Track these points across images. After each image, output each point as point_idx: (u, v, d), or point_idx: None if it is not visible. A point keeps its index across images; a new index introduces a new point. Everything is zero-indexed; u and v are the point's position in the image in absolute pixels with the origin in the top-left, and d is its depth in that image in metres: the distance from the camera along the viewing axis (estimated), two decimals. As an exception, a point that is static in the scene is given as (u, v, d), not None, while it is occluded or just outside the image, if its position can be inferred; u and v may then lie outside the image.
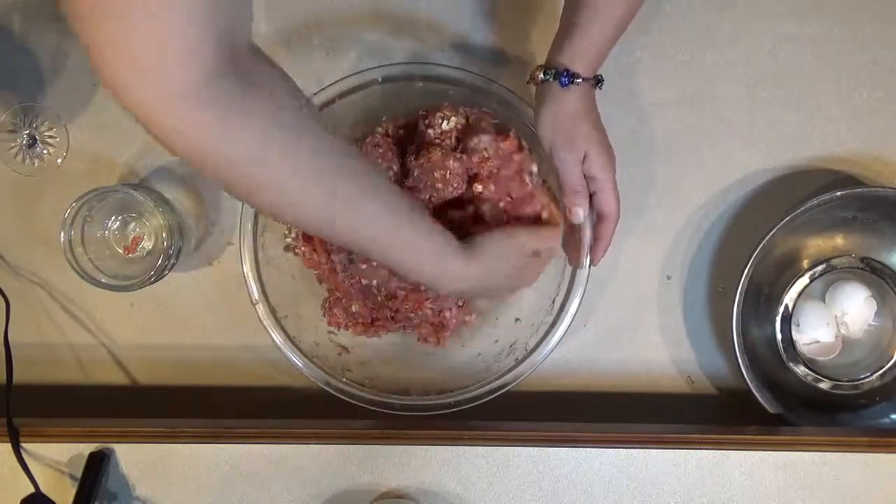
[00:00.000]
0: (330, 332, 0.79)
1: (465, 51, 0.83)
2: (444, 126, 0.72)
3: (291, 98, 0.52)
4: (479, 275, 0.66)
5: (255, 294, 0.75)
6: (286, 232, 0.77)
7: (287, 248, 0.78)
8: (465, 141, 0.72)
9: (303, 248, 0.77)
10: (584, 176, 0.70)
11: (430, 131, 0.72)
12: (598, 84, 0.69)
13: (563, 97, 0.67)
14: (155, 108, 0.44)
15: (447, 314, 0.76)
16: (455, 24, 0.82)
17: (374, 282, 0.74)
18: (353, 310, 0.76)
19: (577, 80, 0.66)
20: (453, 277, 0.65)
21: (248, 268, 0.75)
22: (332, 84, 0.75)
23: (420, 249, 0.63)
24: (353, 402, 0.74)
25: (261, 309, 0.75)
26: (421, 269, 0.63)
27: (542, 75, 0.68)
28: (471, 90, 0.76)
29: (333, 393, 0.75)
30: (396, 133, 0.76)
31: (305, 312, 0.78)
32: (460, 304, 0.77)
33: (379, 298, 0.75)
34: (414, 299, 0.74)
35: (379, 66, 0.76)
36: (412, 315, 0.75)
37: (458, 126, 0.73)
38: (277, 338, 0.75)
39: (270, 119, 0.49)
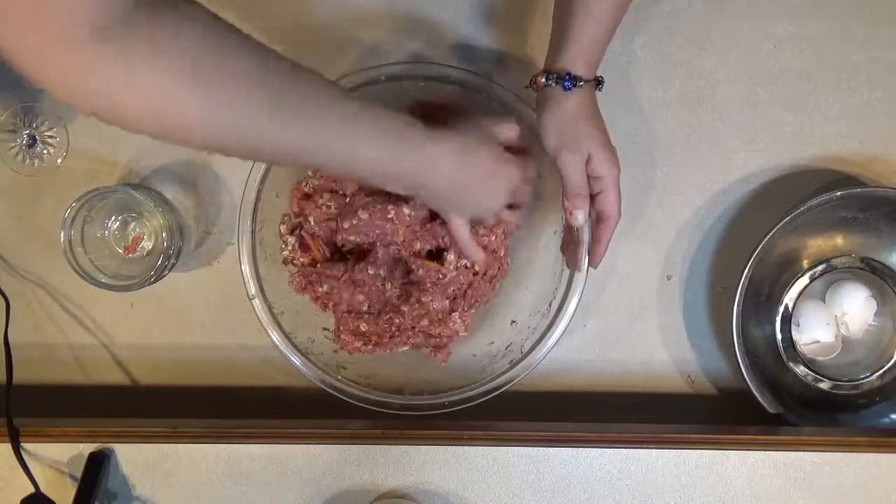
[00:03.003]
0: (325, 329, 0.79)
1: (464, 51, 0.82)
2: None
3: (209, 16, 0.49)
4: (454, 165, 0.62)
5: (252, 289, 0.75)
6: (282, 245, 0.77)
7: (285, 261, 0.78)
8: None
9: (301, 259, 0.77)
10: (588, 177, 0.69)
11: None
12: (598, 85, 0.69)
13: (565, 101, 0.67)
14: (55, 49, 0.40)
15: (444, 326, 0.75)
16: (455, 24, 0.82)
17: (361, 296, 0.74)
18: (362, 329, 0.76)
19: (580, 83, 0.66)
20: (432, 165, 0.61)
21: (245, 264, 0.75)
22: (331, 84, 0.75)
23: (388, 137, 0.59)
24: (347, 399, 0.74)
25: (257, 304, 0.75)
26: (394, 160, 0.59)
27: (544, 80, 0.67)
28: (471, 90, 0.76)
29: (328, 391, 0.75)
30: None
31: (303, 308, 0.78)
32: (460, 316, 0.76)
33: (368, 306, 0.75)
34: (414, 315, 0.75)
35: (380, 65, 0.76)
36: (412, 331, 0.76)
37: None
38: (273, 334, 0.75)
39: (198, 42, 0.46)
